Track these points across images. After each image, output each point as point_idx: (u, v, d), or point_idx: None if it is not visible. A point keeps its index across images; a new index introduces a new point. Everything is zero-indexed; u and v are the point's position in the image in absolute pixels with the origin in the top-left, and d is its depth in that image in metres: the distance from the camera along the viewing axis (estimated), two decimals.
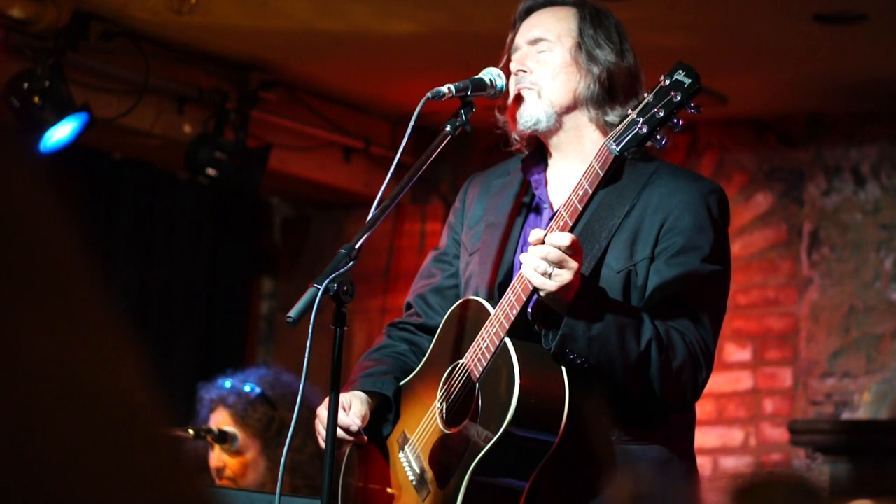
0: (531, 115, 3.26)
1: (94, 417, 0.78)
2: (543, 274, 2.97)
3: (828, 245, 6.55)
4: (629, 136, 3.00)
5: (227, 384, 4.90)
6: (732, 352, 6.64)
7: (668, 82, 2.99)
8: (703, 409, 6.53)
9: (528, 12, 3.38)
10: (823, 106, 6.54)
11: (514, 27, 3.39)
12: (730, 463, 6.59)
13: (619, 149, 3.01)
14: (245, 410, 4.78)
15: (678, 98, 2.97)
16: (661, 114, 2.97)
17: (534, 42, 3.32)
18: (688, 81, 2.97)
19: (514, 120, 3.29)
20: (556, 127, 3.28)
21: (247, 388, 4.89)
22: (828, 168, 6.59)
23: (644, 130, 2.98)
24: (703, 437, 6.59)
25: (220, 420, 4.81)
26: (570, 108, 3.27)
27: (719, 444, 6.63)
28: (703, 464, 6.59)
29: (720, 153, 6.78)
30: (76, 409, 0.77)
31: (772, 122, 6.71)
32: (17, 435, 0.75)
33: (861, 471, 6.09)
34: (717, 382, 6.57)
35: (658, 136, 3.00)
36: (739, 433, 6.62)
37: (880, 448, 6.11)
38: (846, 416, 6.41)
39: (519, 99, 3.28)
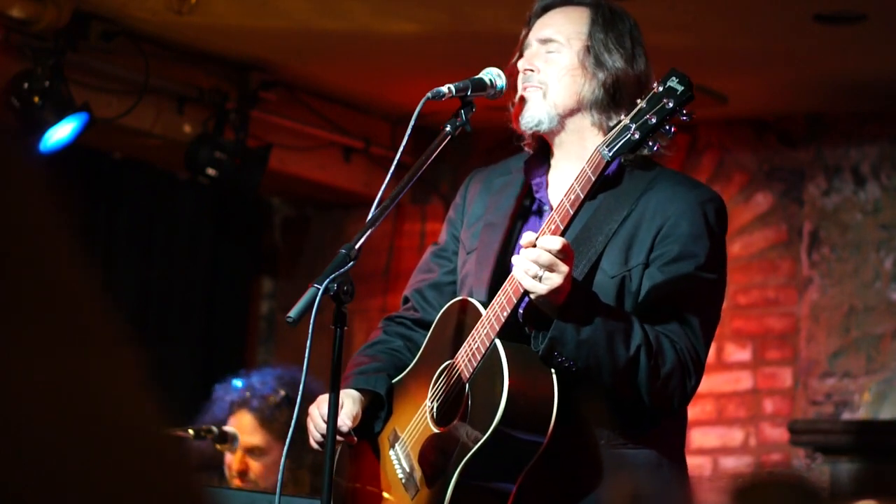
0: (532, 117, 3.27)
1: (93, 423, 0.78)
2: (534, 277, 2.98)
3: (828, 245, 6.55)
4: (621, 142, 3.02)
5: (239, 384, 4.91)
6: (732, 352, 6.64)
7: (661, 89, 3.00)
8: (703, 409, 6.53)
9: (545, 10, 3.38)
10: (823, 106, 6.54)
11: (529, 24, 3.39)
12: (730, 463, 6.59)
13: (611, 154, 3.02)
14: (271, 413, 4.80)
15: (670, 105, 2.98)
16: (654, 120, 2.99)
17: (544, 41, 3.32)
18: (680, 88, 2.98)
19: (517, 121, 3.29)
20: (559, 129, 3.28)
21: (238, 384, 4.91)
22: (828, 168, 6.60)
23: (636, 136, 3.00)
24: (703, 437, 6.59)
25: (242, 423, 4.83)
26: (573, 111, 3.27)
27: (719, 444, 6.63)
28: (703, 464, 6.59)
29: (720, 153, 6.78)
30: (74, 415, 0.77)
31: (772, 122, 6.71)
32: (17, 444, 0.75)
33: (861, 471, 6.09)
34: (717, 382, 6.57)
35: (650, 143, 3.02)
36: (739, 433, 6.62)
37: (880, 448, 6.11)
38: (846, 416, 6.41)
39: (523, 100, 3.28)
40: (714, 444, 6.62)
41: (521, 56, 3.36)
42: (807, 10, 5.41)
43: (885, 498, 4.83)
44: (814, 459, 6.34)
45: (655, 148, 3.06)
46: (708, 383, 6.67)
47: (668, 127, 3.00)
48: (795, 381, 6.54)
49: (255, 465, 4.82)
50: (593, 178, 3.02)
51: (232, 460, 4.85)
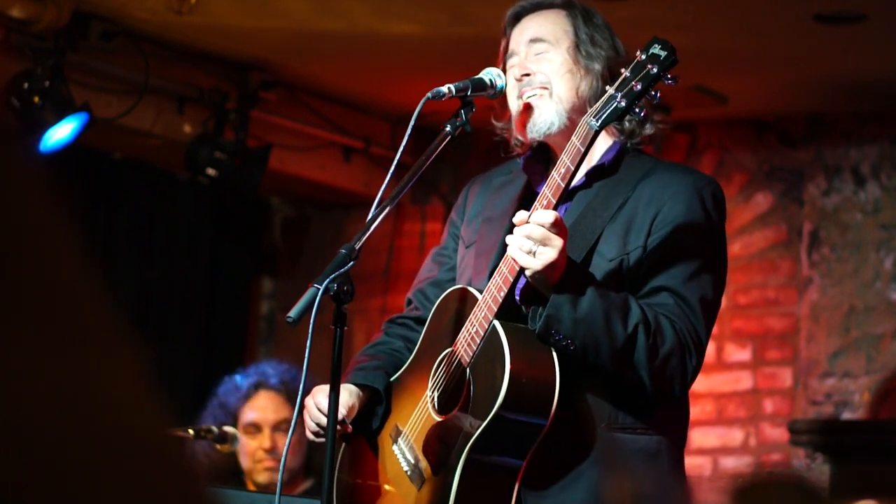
0: (545, 120, 3.26)
1: (94, 423, 0.78)
2: (528, 252, 2.98)
3: (828, 245, 6.55)
4: (608, 111, 3.04)
5: (243, 375, 4.97)
6: (732, 352, 6.64)
7: (644, 56, 3.03)
8: (703, 409, 6.53)
9: (518, 18, 3.39)
10: (823, 106, 6.54)
11: (506, 33, 3.39)
12: (730, 463, 6.59)
13: (598, 124, 3.04)
14: (293, 386, 4.88)
15: (655, 70, 3.01)
16: (639, 87, 3.02)
17: (532, 41, 3.32)
18: (664, 54, 3.02)
19: (525, 129, 3.28)
20: (567, 127, 3.27)
21: (242, 375, 4.97)
22: (828, 168, 6.60)
23: (623, 104, 3.03)
24: (703, 437, 6.59)
25: (265, 402, 4.89)
26: (575, 108, 3.27)
27: (719, 444, 6.63)
28: (703, 464, 6.59)
29: (720, 153, 6.78)
30: (75, 415, 0.77)
31: (772, 122, 6.71)
32: (17, 444, 0.75)
33: (861, 471, 6.09)
34: (717, 382, 6.57)
35: (637, 110, 3.04)
36: (739, 433, 6.62)
37: (880, 448, 6.11)
38: (846, 416, 6.41)
39: (529, 108, 3.27)
40: (714, 444, 6.62)
41: (503, 68, 3.35)
42: (807, 10, 5.41)
43: (885, 498, 4.83)
44: (814, 459, 6.34)
45: (643, 115, 3.08)
46: (708, 383, 6.69)
47: (653, 93, 3.03)
48: (795, 381, 6.54)
49: (282, 442, 4.86)
50: (582, 149, 3.03)
51: (259, 443, 4.90)
